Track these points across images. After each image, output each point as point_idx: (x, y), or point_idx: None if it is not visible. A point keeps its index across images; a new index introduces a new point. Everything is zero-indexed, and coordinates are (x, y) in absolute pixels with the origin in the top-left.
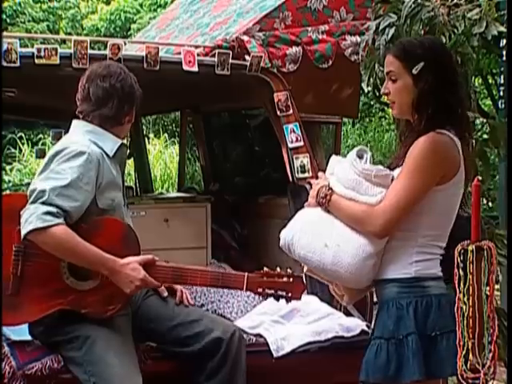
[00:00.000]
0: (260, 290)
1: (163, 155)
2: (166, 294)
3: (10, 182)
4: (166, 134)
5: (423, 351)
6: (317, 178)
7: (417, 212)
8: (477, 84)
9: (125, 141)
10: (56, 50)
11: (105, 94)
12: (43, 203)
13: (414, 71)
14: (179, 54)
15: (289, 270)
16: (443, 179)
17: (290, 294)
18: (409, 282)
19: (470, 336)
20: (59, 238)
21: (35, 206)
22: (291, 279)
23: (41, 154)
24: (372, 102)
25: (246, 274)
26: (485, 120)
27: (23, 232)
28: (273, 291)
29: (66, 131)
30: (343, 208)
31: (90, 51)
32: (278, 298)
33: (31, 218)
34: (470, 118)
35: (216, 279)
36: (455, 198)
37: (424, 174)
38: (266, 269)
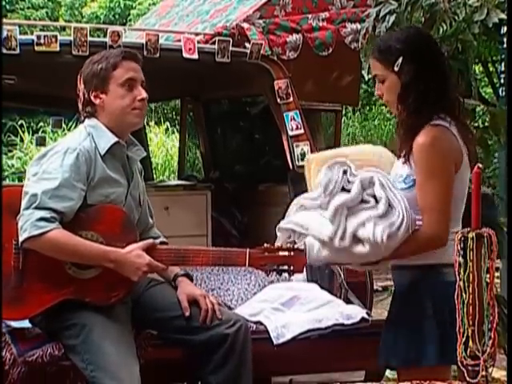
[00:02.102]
0: (262, 265)
1: (165, 143)
2: (187, 313)
3: (13, 166)
4: (167, 123)
5: (441, 337)
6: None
7: None
8: (477, 71)
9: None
10: (56, 37)
11: (77, 89)
12: (36, 208)
13: (396, 68)
14: (179, 41)
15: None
16: (455, 168)
17: (292, 268)
18: (427, 268)
19: (470, 323)
20: (56, 242)
21: (29, 213)
22: (292, 253)
23: (41, 142)
24: (373, 90)
25: (248, 250)
26: (485, 107)
27: (20, 240)
28: (275, 266)
29: (67, 119)
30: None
31: (89, 38)
32: (280, 273)
33: (26, 225)
34: (461, 100)
35: (218, 257)
36: (466, 181)
37: (441, 175)
38: (266, 244)
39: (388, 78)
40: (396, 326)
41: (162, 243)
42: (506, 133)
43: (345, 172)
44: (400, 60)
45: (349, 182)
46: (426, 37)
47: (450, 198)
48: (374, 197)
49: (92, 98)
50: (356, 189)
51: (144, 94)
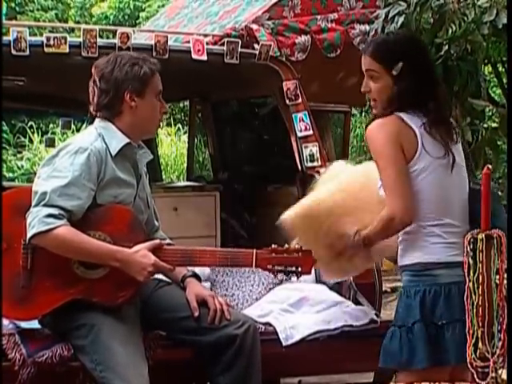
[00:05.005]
0: (269, 266)
1: (176, 144)
2: (197, 313)
3: (22, 167)
4: (179, 124)
5: (431, 340)
6: (325, 166)
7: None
8: (487, 72)
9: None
10: (65, 38)
11: (100, 85)
12: (45, 205)
13: (395, 72)
14: (188, 42)
15: (297, 246)
16: (408, 154)
17: (299, 269)
18: (417, 269)
19: (480, 324)
20: (63, 239)
21: (37, 209)
22: (300, 254)
23: (50, 143)
24: None
25: (255, 250)
26: (495, 108)
27: (28, 236)
28: (282, 267)
29: (76, 120)
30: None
31: (99, 40)
32: (288, 274)
33: (34, 221)
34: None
35: (225, 258)
36: (435, 175)
37: (387, 156)
38: (274, 245)
39: (383, 79)
40: (391, 327)
41: (167, 245)
42: (507, 133)
43: None
44: (400, 65)
45: None
46: (423, 46)
47: (401, 178)
48: None
49: (127, 98)
50: None
51: (167, 107)
